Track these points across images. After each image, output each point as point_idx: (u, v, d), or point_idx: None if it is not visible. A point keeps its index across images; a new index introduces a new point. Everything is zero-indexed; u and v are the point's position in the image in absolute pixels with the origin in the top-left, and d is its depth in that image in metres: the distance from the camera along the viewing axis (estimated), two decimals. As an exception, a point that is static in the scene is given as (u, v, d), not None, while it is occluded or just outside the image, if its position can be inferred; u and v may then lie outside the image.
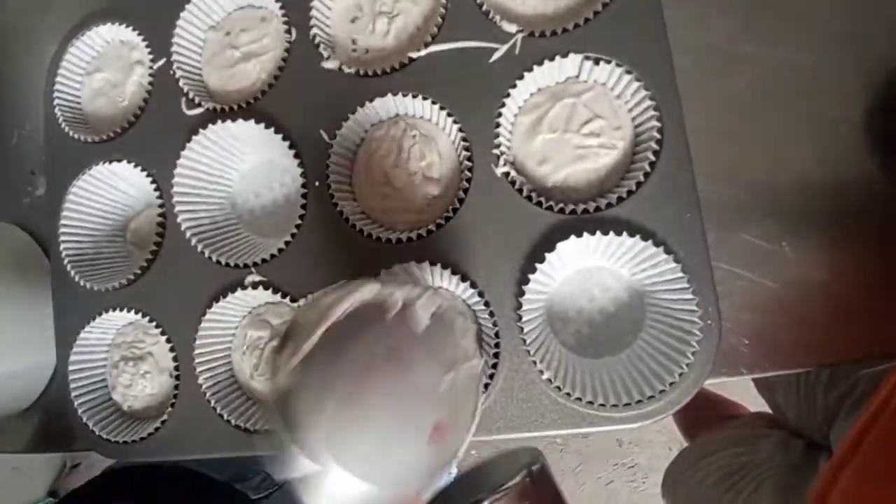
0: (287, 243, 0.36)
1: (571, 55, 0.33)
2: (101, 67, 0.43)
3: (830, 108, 0.36)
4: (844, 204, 0.36)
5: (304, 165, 0.37)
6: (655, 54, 0.32)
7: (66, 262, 0.40)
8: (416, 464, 0.21)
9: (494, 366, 0.33)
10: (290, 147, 0.37)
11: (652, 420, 0.31)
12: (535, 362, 0.32)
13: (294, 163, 0.37)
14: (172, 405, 0.38)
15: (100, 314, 0.39)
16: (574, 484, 1.32)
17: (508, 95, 0.34)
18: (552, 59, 0.33)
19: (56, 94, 0.42)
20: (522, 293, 0.32)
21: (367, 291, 0.23)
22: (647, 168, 0.32)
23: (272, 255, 0.37)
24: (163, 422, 0.37)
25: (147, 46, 0.40)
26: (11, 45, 0.50)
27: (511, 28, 0.34)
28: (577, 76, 0.35)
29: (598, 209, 0.32)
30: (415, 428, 0.21)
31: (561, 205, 0.33)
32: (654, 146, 0.32)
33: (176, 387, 0.38)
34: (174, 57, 0.39)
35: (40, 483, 1.20)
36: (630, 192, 0.32)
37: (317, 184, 0.36)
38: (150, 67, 0.40)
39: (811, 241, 0.35)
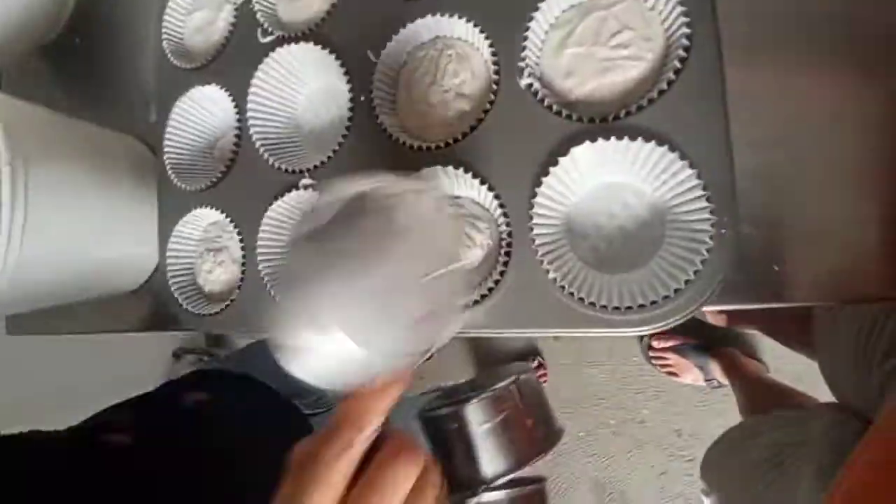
0: (334, 151, 0.42)
1: (603, -36, 0.33)
2: (199, 7, 0.51)
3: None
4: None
5: (353, 82, 0.41)
6: (690, -43, 0.32)
7: (168, 169, 0.49)
8: (404, 340, 0.23)
9: (506, 264, 0.35)
10: (341, 66, 0.41)
11: (653, 326, 0.32)
12: (541, 261, 0.34)
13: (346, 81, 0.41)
14: (238, 288, 0.45)
15: (189, 211, 0.48)
16: (625, 468, 1.29)
17: (538, 9, 0.35)
18: (583, -31, 0.34)
19: (164, 32, 0.51)
20: (535, 196, 0.34)
21: (362, 184, 0.25)
22: (672, 76, 0.32)
23: (322, 162, 0.42)
24: (231, 300, 0.45)
25: (233, -15, 0.47)
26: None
27: (546, -57, 0.35)
28: (611, -12, 0.35)
29: (616, 118, 0.33)
30: (403, 311, 0.23)
31: (582, 116, 0.34)
32: (682, 53, 0.32)
33: (242, 273, 0.45)
34: (254, -7, 0.46)
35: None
36: (651, 101, 0.32)
37: (362, 98, 0.41)
38: (235, 4, 0.47)
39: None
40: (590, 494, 1.30)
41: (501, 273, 0.35)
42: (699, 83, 0.31)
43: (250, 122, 0.45)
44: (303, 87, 0.47)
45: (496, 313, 0.35)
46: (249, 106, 0.45)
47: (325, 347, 0.22)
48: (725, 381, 1.13)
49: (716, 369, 1.14)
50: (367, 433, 0.21)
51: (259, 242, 0.44)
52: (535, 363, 1.30)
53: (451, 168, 0.37)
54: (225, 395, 0.43)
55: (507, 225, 0.35)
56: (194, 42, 0.51)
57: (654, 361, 1.24)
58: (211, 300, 0.48)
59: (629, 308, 0.32)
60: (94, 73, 0.63)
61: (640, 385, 1.28)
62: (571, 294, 0.33)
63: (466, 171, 0.36)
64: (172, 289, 0.48)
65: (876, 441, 0.35)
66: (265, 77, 0.44)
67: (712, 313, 1.14)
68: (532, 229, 0.34)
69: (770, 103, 0.34)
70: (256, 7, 0.46)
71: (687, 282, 0.31)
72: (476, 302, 0.36)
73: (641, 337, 1.27)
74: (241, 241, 0.45)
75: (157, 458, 0.33)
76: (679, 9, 0.32)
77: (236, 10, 0.47)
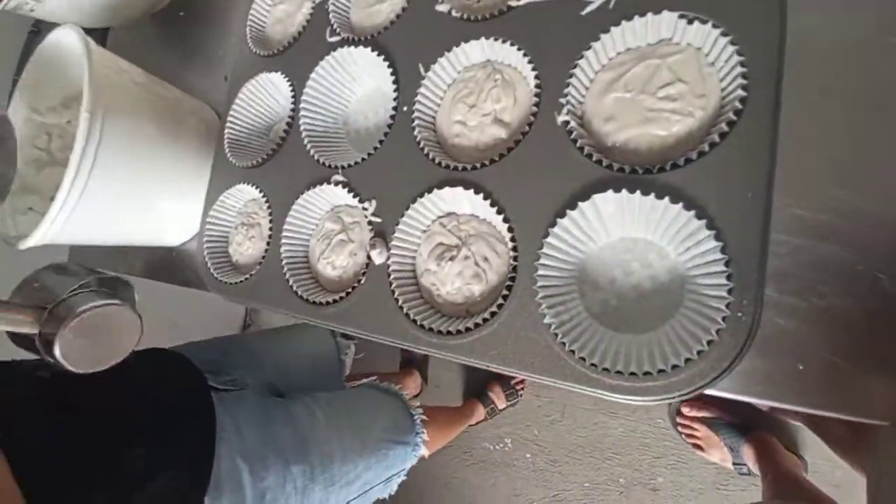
0: (369, 154, 0.43)
1: (665, 12, 0.32)
2: (284, 0, 0.54)
3: None
4: None
5: (399, 91, 0.42)
6: (760, 17, 0.29)
7: (225, 143, 0.53)
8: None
9: (505, 297, 0.34)
10: (392, 73, 0.42)
11: (641, 398, 0.30)
12: (540, 304, 0.33)
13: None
14: (259, 264, 0.47)
15: (235, 185, 0.51)
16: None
17: (589, 48, 0.34)
18: (643, 14, 0.32)
19: (250, 19, 0.55)
20: (547, 235, 0.33)
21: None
22: (717, 138, 0.30)
23: (355, 162, 0.43)
24: (251, 274, 0.48)
25: (315, -16, 0.50)
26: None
27: (611, -18, 0.34)
28: (671, 38, 0.33)
29: (647, 171, 0.31)
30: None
31: (613, 163, 0.32)
32: (733, 116, 0.29)
33: (265, 252, 0.47)
34: (332, -5, 0.48)
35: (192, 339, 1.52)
36: (688, 161, 0.30)
37: (405, 109, 0.42)
38: (314, 2, 0.50)
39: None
40: (583, 550, 1.23)
41: (499, 306, 0.34)
42: (746, 152, 0.29)
43: (302, 112, 0.47)
44: (358, 88, 0.49)
45: (485, 345, 0.34)
46: (304, 98, 0.47)
47: None
48: (756, 470, 1.03)
49: (748, 454, 1.04)
50: None
51: (286, 226, 0.46)
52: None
53: (471, 192, 0.37)
54: (142, 356, 0.48)
55: (515, 259, 0.35)
56: (274, 31, 0.55)
57: (680, 429, 1.15)
58: (237, 270, 0.51)
59: (619, 373, 0.30)
60: (188, 43, 0.69)
61: (660, 450, 1.20)
62: (563, 344, 0.32)
63: (486, 199, 0.36)
64: (205, 253, 0.52)
65: None
66: (323, 73, 0.46)
67: (747, 450, 1.04)
68: (537, 269, 0.33)
69: (828, 186, 0.31)
70: (331, 7, 0.48)
71: (688, 360, 0.28)
72: (469, 330, 0.35)
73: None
74: (270, 221, 0.48)
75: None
76: (739, 69, 0.30)
77: (313, 7, 0.50)
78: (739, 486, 1.10)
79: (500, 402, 1.26)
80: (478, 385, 1.32)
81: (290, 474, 0.51)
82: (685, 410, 1.13)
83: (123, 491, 0.41)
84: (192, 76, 0.68)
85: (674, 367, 0.29)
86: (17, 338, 0.35)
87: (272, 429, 0.52)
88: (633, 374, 0.30)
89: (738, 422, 1.08)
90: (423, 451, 0.67)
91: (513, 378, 1.26)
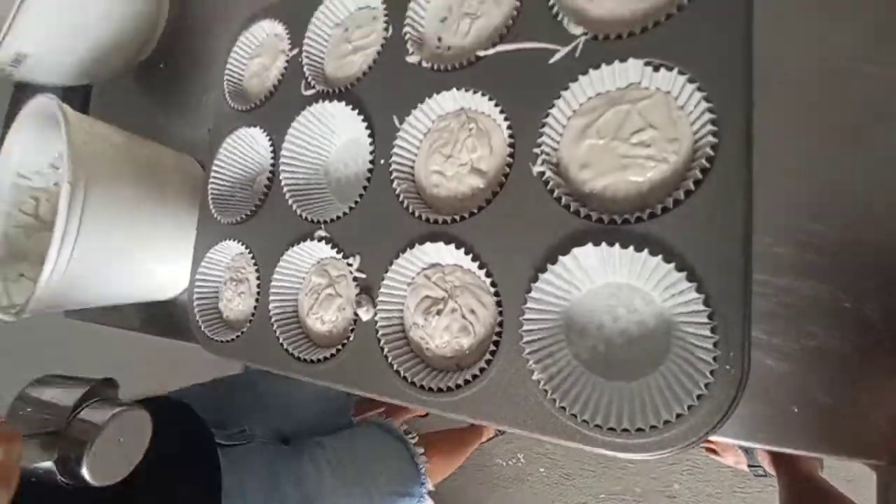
0: (350, 209, 0.43)
1: (631, 59, 0.32)
2: (260, 53, 0.55)
3: None
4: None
5: (375, 144, 0.42)
6: (726, 63, 0.29)
7: (209, 199, 0.53)
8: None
9: (493, 353, 0.34)
10: (367, 128, 0.42)
11: (632, 454, 0.29)
12: (527, 360, 0.32)
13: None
14: (250, 321, 0.47)
15: (221, 241, 0.51)
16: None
17: (559, 97, 0.34)
18: (610, 62, 0.32)
19: (227, 73, 0.55)
20: (530, 290, 0.33)
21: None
22: (692, 185, 0.29)
23: (337, 217, 0.43)
24: (242, 332, 0.47)
25: (288, 38, 0.50)
26: (210, 28, 0.67)
27: (577, 30, 0.34)
28: (640, 83, 0.33)
29: (626, 221, 0.31)
30: None
31: (591, 213, 0.32)
32: (705, 163, 0.29)
33: (254, 309, 0.47)
34: (304, 47, 0.49)
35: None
36: (665, 209, 0.30)
37: (381, 161, 0.42)
38: (287, 55, 0.50)
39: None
40: (603, 563, 1.22)
41: (487, 362, 0.34)
42: (721, 197, 0.29)
43: (282, 167, 0.47)
44: (335, 138, 0.49)
45: (476, 402, 0.34)
46: (283, 154, 0.47)
47: None
48: (771, 471, 1.02)
49: (763, 455, 1.03)
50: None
51: (273, 283, 0.46)
52: None
53: (452, 246, 0.36)
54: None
55: (500, 314, 0.34)
56: (251, 85, 0.55)
57: (692, 434, 1.14)
58: (228, 327, 0.51)
59: (612, 429, 0.30)
60: (171, 95, 0.70)
61: (675, 457, 1.19)
62: (554, 400, 0.31)
63: (467, 253, 0.36)
64: (196, 310, 0.52)
65: None
66: (301, 128, 0.47)
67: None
68: (522, 324, 0.33)
69: (806, 221, 0.30)
70: (305, 60, 0.48)
71: (679, 416, 0.28)
72: (459, 386, 0.35)
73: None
74: (258, 277, 0.47)
75: None
76: (708, 114, 0.30)
77: (287, 60, 0.50)
78: (756, 488, 1.09)
79: None
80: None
81: None
82: (696, 415, 1.12)
83: None
84: (176, 127, 0.68)
85: (665, 422, 0.28)
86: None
87: (278, 488, 0.52)
88: (625, 430, 0.29)
89: (751, 425, 1.07)
90: (430, 486, 0.67)
91: None
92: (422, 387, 0.36)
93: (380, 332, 0.39)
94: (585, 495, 1.28)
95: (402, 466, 0.64)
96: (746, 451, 1.06)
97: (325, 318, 0.44)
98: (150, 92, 0.73)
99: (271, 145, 0.49)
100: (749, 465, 1.07)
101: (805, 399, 0.30)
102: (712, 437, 0.32)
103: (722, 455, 1.10)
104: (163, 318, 0.62)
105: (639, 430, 0.29)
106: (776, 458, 1.00)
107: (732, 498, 1.13)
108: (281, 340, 0.44)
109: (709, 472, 1.15)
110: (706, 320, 0.28)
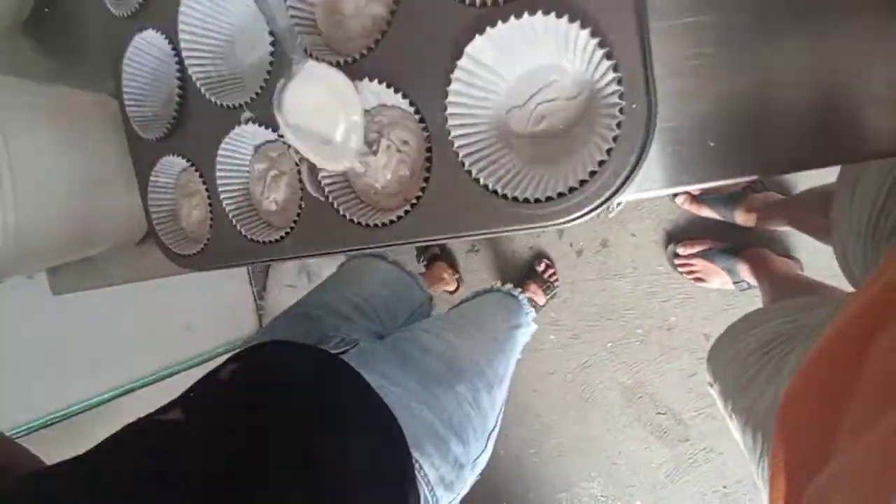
0: (266, 80, 0.41)
1: None
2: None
3: None
4: None
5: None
6: None
7: (133, 122, 0.51)
8: None
9: (429, 170, 0.35)
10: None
11: (572, 217, 0.31)
12: (463, 163, 0.33)
13: None
14: (211, 227, 0.48)
15: (158, 160, 0.50)
16: (654, 373, 1.31)
17: None
18: None
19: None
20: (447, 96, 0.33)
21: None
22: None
23: (256, 94, 0.42)
24: (207, 240, 0.48)
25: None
26: None
27: None
28: None
29: (510, -3, 0.30)
30: None
31: (483, -3, 0.31)
32: None
33: (210, 213, 0.48)
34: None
35: (210, 339, 1.56)
36: (554, -32, 0.29)
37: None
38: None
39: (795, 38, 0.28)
40: (619, 398, 1.35)
41: (426, 179, 0.35)
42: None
43: (187, 62, 0.45)
44: (233, 18, 0.46)
45: (423, 221, 0.36)
46: (182, 46, 0.45)
47: None
48: (754, 282, 1.09)
49: (744, 270, 1.10)
50: None
51: (218, 182, 0.46)
52: (542, 265, 1.31)
53: (366, 81, 0.36)
54: (251, 360, 0.44)
55: (426, 130, 0.35)
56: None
57: (680, 269, 1.21)
58: (195, 241, 0.52)
59: (549, 199, 0.31)
60: (67, 39, 0.65)
61: (667, 293, 1.27)
62: (495, 192, 0.33)
63: (381, 83, 0.35)
64: (160, 236, 0.52)
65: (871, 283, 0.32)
66: (190, 11, 0.44)
67: (741, 214, 1.08)
68: (450, 132, 0.33)
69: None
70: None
71: (602, 162, 0.29)
72: (407, 212, 0.36)
73: (667, 244, 1.23)
74: (204, 183, 0.47)
75: (206, 428, 0.34)
76: None
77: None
78: (743, 302, 1.17)
79: (540, 299, 1.30)
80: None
81: (459, 396, 0.50)
82: (680, 251, 1.18)
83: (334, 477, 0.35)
84: (82, 69, 0.64)
85: (592, 173, 0.30)
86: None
87: (418, 364, 0.51)
88: (561, 194, 0.31)
89: (730, 245, 1.13)
90: (534, 326, 0.75)
91: (545, 272, 1.30)
92: (375, 226, 0.38)
93: (326, 189, 0.40)
94: (595, 347, 1.38)
95: (506, 303, 0.70)
96: (729, 270, 1.13)
97: (278, 199, 0.45)
98: (48, 42, 0.68)
99: (169, 44, 0.46)
100: (734, 283, 1.14)
101: (717, 131, 0.31)
102: (651, 193, 0.34)
103: (708, 280, 1.17)
104: (143, 260, 0.63)
105: (572, 189, 0.30)
106: (756, 268, 1.07)
107: (723, 315, 1.22)
108: (244, 233, 0.45)
109: (700, 299, 1.23)
110: (607, 60, 0.28)
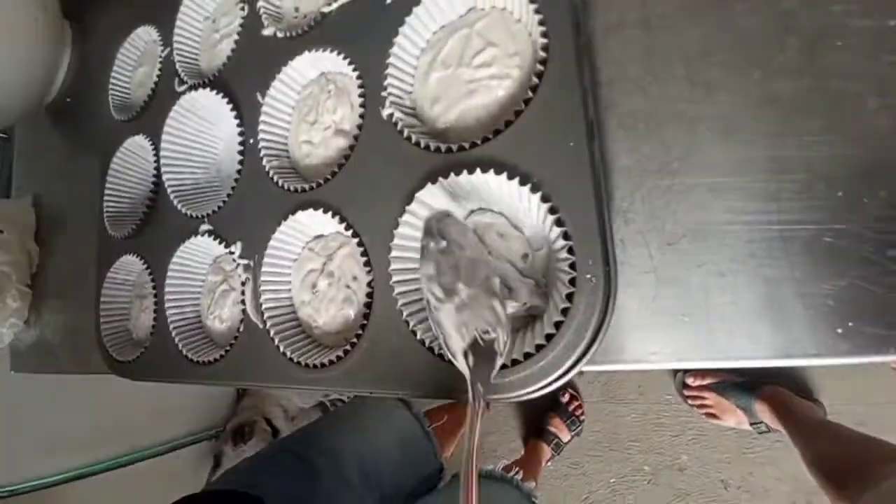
0: (229, 195, 0.40)
1: (457, -21, 0.30)
2: (142, 63, 0.53)
3: None
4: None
5: (244, 126, 0.40)
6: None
7: (105, 217, 0.51)
8: None
9: (366, 316, 0.31)
10: (232, 109, 0.41)
11: (518, 393, 0.26)
12: (401, 312, 0.30)
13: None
14: (151, 334, 0.45)
15: (119, 259, 0.49)
16: (664, 525, 1.14)
17: (398, 34, 0.32)
18: (439, -12, 0.31)
19: (111, 87, 0.53)
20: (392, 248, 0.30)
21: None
22: (530, 93, 0.27)
23: (218, 207, 0.41)
24: (145, 348, 0.45)
25: (161, 40, 0.49)
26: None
27: (406, -36, 0.33)
28: (475, 5, 0.31)
29: (462, 148, 0.28)
30: None
31: (438, 145, 0.30)
32: (539, 67, 0.27)
33: (154, 321, 0.45)
34: (174, 45, 0.47)
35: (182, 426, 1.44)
36: (508, 123, 0.28)
37: (251, 142, 0.40)
38: (160, 57, 0.49)
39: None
40: (624, 551, 1.16)
41: (362, 327, 0.31)
42: (558, 102, 0.26)
43: (164, 169, 0.45)
44: (219, 132, 0.47)
45: (360, 370, 0.31)
46: (163, 154, 0.45)
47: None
48: (775, 426, 0.97)
49: (763, 411, 0.99)
50: None
51: (167, 289, 0.44)
52: (567, 397, 1.18)
53: (320, 212, 0.34)
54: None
55: (371, 274, 0.32)
56: (137, 95, 0.53)
57: (690, 401, 1.10)
58: (137, 345, 0.48)
59: (504, 367, 0.27)
60: (77, 128, 0.69)
61: (676, 427, 1.14)
62: (433, 350, 0.29)
63: (333, 216, 0.33)
64: (102, 334, 0.49)
65: None
66: (174, 124, 0.45)
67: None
68: (391, 277, 0.30)
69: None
70: (176, 57, 0.47)
71: (550, 335, 0.25)
72: (340, 358, 0.32)
73: (675, 372, 1.13)
74: (153, 287, 0.45)
75: None
76: (537, 17, 0.28)
77: (161, 62, 0.49)
78: (764, 446, 1.04)
79: (564, 435, 1.16)
80: (535, 424, 1.21)
81: None
82: (690, 381, 1.08)
83: None
84: (85, 158, 0.66)
85: (539, 346, 0.25)
86: None
87: None
88: (504, 367, 0.26)
89: (744, 380, 1.03)
90: None
91: (570, 405, 1.18)
92: (307, 365, 0.33)
93: (265, 317, 0.36)
94: (596, 482, 1.22)
95: None
96: (745, 409, 1.02)
97: (224, 316, 0.42)
98: (65, 127, 0.72)
99: (153, 149, 0.47)
100: (751, 423, 1.02)
101: (693, 306, 0.27)
102: (618, 366, 0.29)
103: (722, 418, 1.06)
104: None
105: (516, 362, 0.26)
106: (777, 411, 0.96)
107: (742, 460, 1.08)
108: (181, 347, 0.42)
109: (713, 438, 1.10)
110: (558, 228, 0.25)
